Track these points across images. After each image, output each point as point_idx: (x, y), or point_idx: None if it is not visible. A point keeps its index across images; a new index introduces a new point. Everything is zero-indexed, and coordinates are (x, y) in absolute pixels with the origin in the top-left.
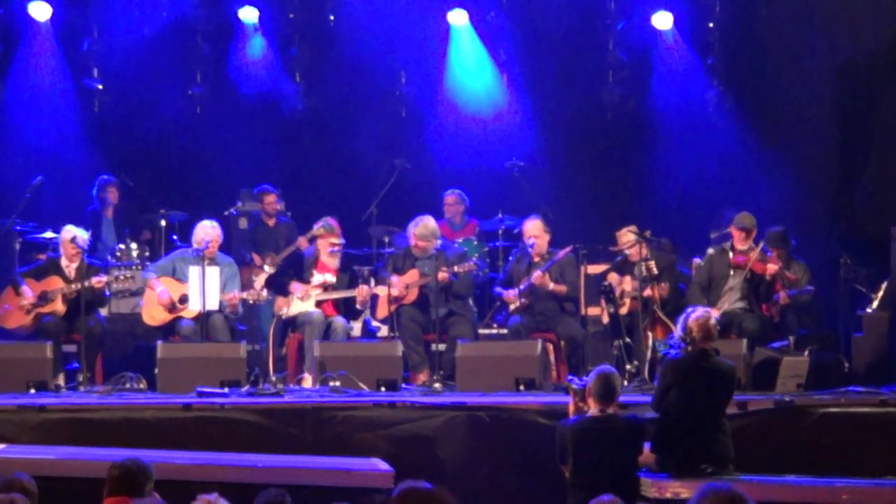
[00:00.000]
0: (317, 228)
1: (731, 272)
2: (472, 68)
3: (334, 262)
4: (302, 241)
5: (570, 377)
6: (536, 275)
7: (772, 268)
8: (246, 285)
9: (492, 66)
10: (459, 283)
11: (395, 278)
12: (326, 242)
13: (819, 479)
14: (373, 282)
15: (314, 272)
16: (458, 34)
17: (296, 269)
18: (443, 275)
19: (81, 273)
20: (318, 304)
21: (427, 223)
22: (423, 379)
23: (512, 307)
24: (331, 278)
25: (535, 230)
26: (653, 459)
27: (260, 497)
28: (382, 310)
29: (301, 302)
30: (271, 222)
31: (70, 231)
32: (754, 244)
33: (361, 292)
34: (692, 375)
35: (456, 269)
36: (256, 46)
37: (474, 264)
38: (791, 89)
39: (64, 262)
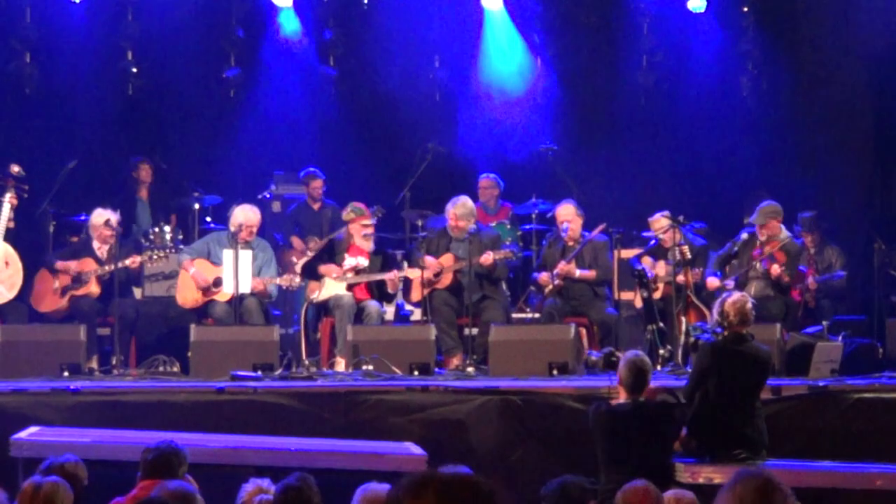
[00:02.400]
0: (346, 213)
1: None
2: (506, 52)
3: (368, 245)
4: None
5: (590, 352)
6: (561, 265)
7: (775, 269)
8: (287, 268)
9: (526, 50)
10: (498, 268)
11: (429, 258)
12: (359, 226)
13: (853, 464)
14: (405, 265)
15: (346, 256)
16: (493, 18)
17: (328, 253)
18: (486, 258)
19: (113, 255)
20: (350, 287)
21: (466, 202)
22: (457, 363)
23: (546, 290)
24: (363, 261)
25: (567, 214)
26: (685, 440)
27: (281, 483)
28: (416, 292)
29: (334, 283)
30: (316, 206)
31: (102, 214)
32: (782, 227)
33: (394, 278)
34: (729, 360)
35: (494, 255)
36: (291, 29)
37: (511, 251)
38: (826, 74)
39: (95, 244)
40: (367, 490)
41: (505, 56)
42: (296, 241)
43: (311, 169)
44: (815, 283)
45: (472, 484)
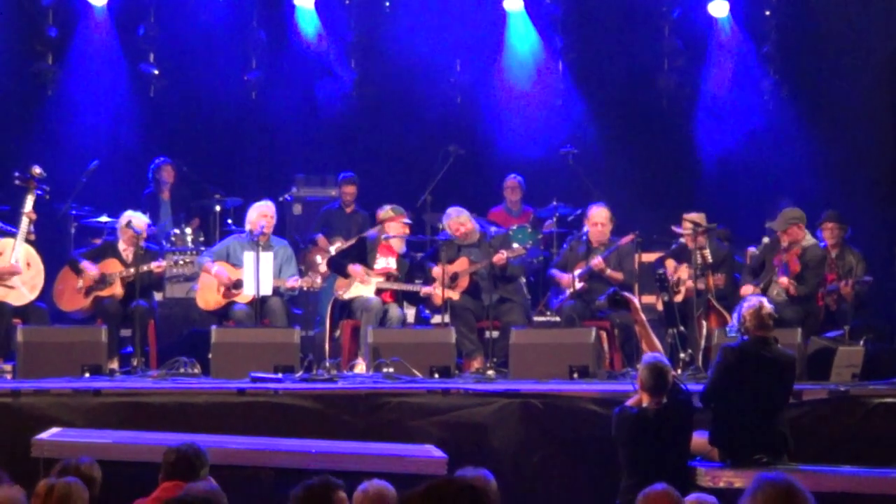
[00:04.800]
0: (384, 212)
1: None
2: (527, 55)
3: (401, 246)
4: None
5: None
6: (596, 261)
7: (783, 281)
8: (311, 266)
9: (547, 53)
10: (511, 266)
11: (437, 269)
12: (399, 225)
13: (873, 469)
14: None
15: (377, 255)
16: (514, 21)
17: (358, 252)
18: (499, 257)
19: (138, 257)
20: (378, 291)
21: (461, 211)
22: (477, 366)
23: (567, 292)
24: (392, 264)
25: (601, 217)
26: (709, 448)
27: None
28: (436, 298)
29: (361, 286)
30: (349, 209)
31: (126, 216)
32: (806, 232)
33: (421, 293)
34: (749, 364)
35: (507, 254)
36: (312, 32)
37: (522, 247)
38: (847, 78)
39: (121, 245)
40: (366, 486)
41: (526, 59)
42: (321, 241)
43: (350, 174)
44: (849, 289)
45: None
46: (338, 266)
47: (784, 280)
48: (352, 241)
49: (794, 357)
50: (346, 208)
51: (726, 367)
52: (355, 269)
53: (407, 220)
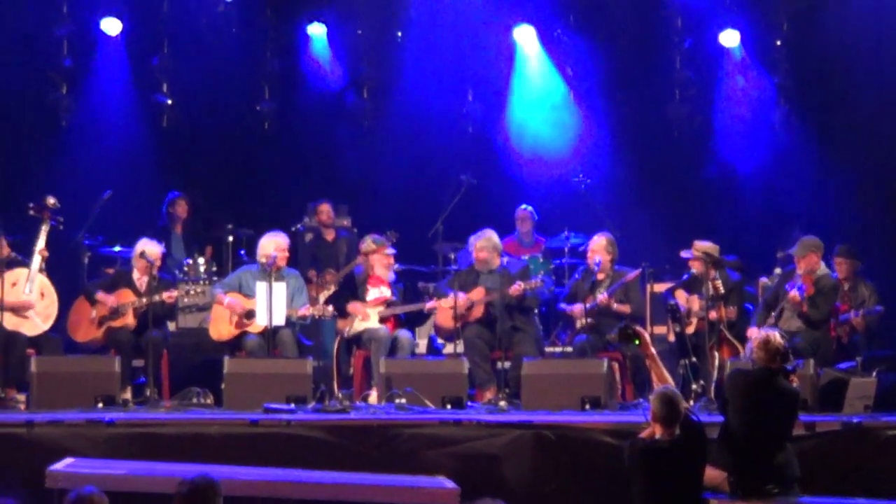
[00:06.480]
0: (366, 245)
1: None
2: (538, 85)
3: (389, 275)
4: (363, 259)
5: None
6: (602, 296)
7: (794, 295)
8: (310, 302)
9: (559, 83)
10: (527, 298)
11: (461, 295)
12: (382, 256)
13: (885, 501)
14: (434, 300)
15: (368, 287)
16: (525, 51)
17: (351, 288)
18: (516, 288)
19: (152, 287)
20: (382, 320)
21: (490, 236)
22: (490, 396)
23: (578, 324)
24: (386, 291)
25: (597, 246)
26: (721, 479)
27: None
28: (445, 321)
29: (362, 322)
30: (330, 236)
31: (140, 246)
32: (822, 264)
33: (426, 308)
34: (754, 393)
35: (524, 285)
36: (324, 63)
37: (540, 280)
38: (859, 108)
39: (135, 274)
40: None
41: (538, 89)
42: (312, 275)
43: (321, 199)
44: (860, 320)
45: None
46: (337, 307)
47: (795, 293)
48: (345, 270)
49: (798, 392)
50: (326, 235)
51: (728, 392)
52: (354, 307)
53: (389, 251)
